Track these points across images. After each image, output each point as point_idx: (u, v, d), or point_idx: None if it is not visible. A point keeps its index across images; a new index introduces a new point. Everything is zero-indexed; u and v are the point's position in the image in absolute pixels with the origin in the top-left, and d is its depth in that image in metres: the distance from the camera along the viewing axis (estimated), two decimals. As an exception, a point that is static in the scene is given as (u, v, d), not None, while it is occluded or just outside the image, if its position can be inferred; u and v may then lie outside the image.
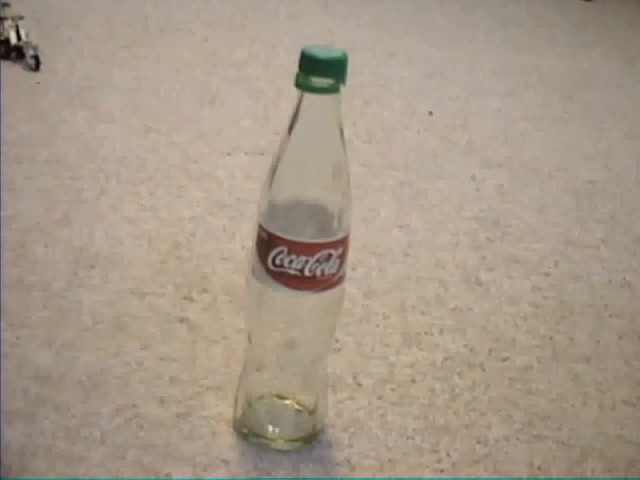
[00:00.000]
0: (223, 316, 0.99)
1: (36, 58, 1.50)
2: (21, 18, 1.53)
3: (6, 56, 1.53)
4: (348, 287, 0.84)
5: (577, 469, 0.86)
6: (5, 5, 1.43)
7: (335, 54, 0.74)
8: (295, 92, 0.75)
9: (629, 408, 0.94)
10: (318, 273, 0.77)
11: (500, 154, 1.48)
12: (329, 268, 0.77)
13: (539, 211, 1.31)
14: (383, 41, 1.94)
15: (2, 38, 1.55)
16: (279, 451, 0.82)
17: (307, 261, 0.76)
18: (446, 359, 0.98)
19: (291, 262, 0.76)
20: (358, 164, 1.35)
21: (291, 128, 0.76)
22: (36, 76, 1.52)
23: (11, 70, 1.51)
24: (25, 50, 1.51)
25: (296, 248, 0.76)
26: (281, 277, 0.77)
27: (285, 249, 0.76)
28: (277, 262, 0.77)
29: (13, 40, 1.52)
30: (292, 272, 0.77)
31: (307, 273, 0.77)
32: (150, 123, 1.41)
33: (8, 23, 1.55)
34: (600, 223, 1.30)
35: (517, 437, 0.88)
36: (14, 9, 1.59)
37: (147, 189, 1.22)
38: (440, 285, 1.10)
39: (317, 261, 0.77)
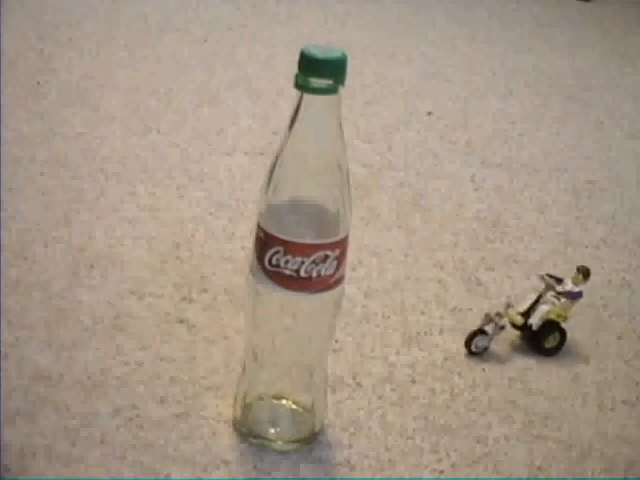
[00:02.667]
0: (223, 316, 0.99)
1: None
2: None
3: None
4: (348, 287, 0.84)
5: (577, 469, 0.86)
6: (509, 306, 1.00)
7: (334, 54, 0.74)
8: (295, 92, 0.75)
9: (629, 408, 0.94)
10: (314, 274, 0.77)
11: (500, 154, 1.48)
12: (325, 270, 0.77)
13: (539, 211, 1.31)
14: (383, 41, 1.94)
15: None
16: (279, 451, 0.82)
17: (303, 262, 0.76)
18: (446, 359, 0.98)
19: (287, 262, 0.76)
20: (358, 164, 1.35)
21: (291, 128, 0.76)
22: (35, 76, 1.52)
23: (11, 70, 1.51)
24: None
25: (292, 248, 0.76)
26: (277, 277, 0.77)
27: (281, 249, 0.76)
28: (273, 262, 0.77)
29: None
30: (288, 272, 0.77)
31: (303, 274, 0.77)
32: (150, 123, 1.41)
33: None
34: (600, 223, 1.30)
35: (517, 437, 0.88)
36: None
37: (147, 189, 1.22)
38: (440, 285, 1.10)
39: (313, 262, 0.77)
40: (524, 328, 1.01)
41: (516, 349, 1.00)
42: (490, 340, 0.99)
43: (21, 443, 0.79)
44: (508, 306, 1.01)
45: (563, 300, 1.02)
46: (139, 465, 0.79)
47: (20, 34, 1.68)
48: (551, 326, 1.01)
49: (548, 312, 1.01)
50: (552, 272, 1.15)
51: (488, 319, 0.99)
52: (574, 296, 1.02)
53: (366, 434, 0.86)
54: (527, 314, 1.01)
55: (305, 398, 0.83)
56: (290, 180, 0.77)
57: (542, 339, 1.00)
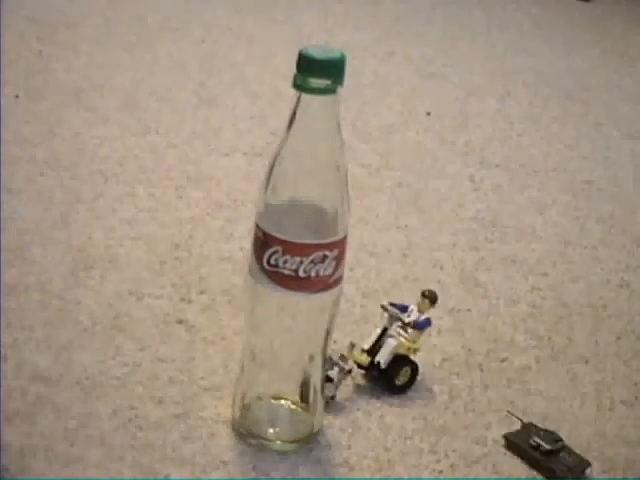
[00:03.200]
0: (221, 317, 0.99)
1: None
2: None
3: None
4: (346, 287, 0.84)
5: (575, 469, 0.86)
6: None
7: (333, 55, 0.74)
8: (293, 93, 0.75)
9: (627, 408, 0.94)
10: (313, 274, 0.77)
11: (498, 154, 1.48)
12: (324, 270, 0.77)
13: (537, 211, 1.31)
14: (381, 42, 1.94)
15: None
16: (278, 452, 0.82)
17: (302, 262, 0.76)
18: (444, 360, 0.98)
19: (285, 262, 0.76)
20: (356, 165, 1.35)
21: (289, 128, 0.76)
22: (35, 76, 1.52)
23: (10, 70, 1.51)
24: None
25: (290, 248, 0.76)
26: (276, 277, 0.77)
27: (280, 249, 0.76)
28: (272, 262, 0.77)
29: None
30: (286, 272, 0.77)
31: (301, 274, 0.77)
32: (149, 124, 1.41)
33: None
34: (598, 223, 1.30)
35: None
36: None
37: (145, 190, 1.22)
38: (438, 285, 1.10)
39: (312, 262, 0.77)
40: (371, 367, 0.91)
41: (514, 349, 1.00)
42: (337, 387, 0.88)
43: (20, 443, 0.79)
44: (352, 346, 0.90)
45: (410, 331, 0.91)
46: (138, 466, 0.79)
47: (19, 35, 1.68)
48: (401, 361, 0.91)
49: (396, 347, 0.91)
50: (550, 272, 1.16)
51: (331, 363, 0.87)
52: (421, 325, 0.91)
53: (365, 434, 0.86)
54: (373, 351, 0.91)
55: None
56: (289, 180, 0.77)
57: (393, 376, 0.91)
